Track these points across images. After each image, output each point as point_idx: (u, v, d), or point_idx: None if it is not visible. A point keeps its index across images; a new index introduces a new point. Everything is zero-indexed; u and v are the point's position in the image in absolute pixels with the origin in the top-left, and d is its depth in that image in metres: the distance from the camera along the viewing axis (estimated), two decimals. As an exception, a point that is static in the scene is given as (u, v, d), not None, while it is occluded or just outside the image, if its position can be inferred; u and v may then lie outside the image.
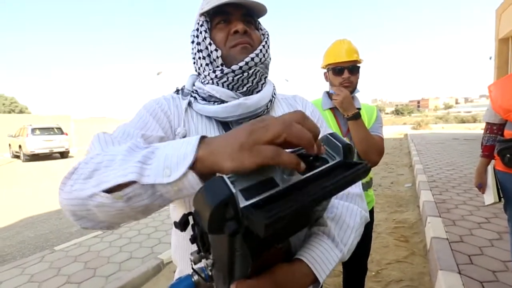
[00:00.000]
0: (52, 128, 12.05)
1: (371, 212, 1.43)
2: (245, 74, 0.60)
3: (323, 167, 0.34)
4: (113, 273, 2.35)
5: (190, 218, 0.34)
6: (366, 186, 1.37)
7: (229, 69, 0.60)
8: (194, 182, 0.34)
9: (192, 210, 0.32)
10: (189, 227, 0.34)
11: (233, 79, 0.61)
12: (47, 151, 11.43)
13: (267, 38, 0.67)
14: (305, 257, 0.44)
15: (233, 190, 0.27)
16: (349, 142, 0.36)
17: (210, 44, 0.62)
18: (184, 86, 0.70)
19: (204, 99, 0.64)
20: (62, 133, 12.12)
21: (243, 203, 0.28)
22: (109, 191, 0.36)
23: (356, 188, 0.61)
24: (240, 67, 0.59)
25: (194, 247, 0.36)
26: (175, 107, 0.64)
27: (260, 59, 0.62)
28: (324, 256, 0.45)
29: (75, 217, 0.42)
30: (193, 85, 0.68)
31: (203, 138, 0.36)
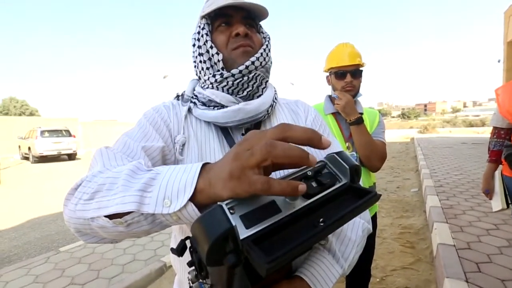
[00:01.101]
0: (61, 130, 12.28)
1: (374, 217, 1.40)
2: (245, 78, 0.60)
3: (328, 190, 0.32)
4: (116, 275, 2.36)
5: (188, 242, 0.33)
6: None
7: (229, 73, 0.59)
8: (193, 213, 0.34)
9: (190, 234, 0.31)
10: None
11: (233, 83, 0.60)
12: (55, 153, 11.63)
13: (268, 41, 0.66)
14: (305, 274, 0.44)
15: (233, 223, 0.26)
16: (356, 164, 0.34)
17: (211, 47, 0.61)
18: (184, 91, 0.69)
19: (203, 104, 0.63)
20: (70, 135, 12.36)
21: (243, 233, 0.27)
22: (110, 216, 0.36)
23: None
24: (240, 71, 0.59)
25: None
26: (174, 114, 0.63)
27: (261, 62, 0.61)
28: (325, 273, 0.45)
29: (80, 233, 0.44)
30: (194, 90, 0.68)
31: (204, 165, 0.36)
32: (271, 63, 0.66)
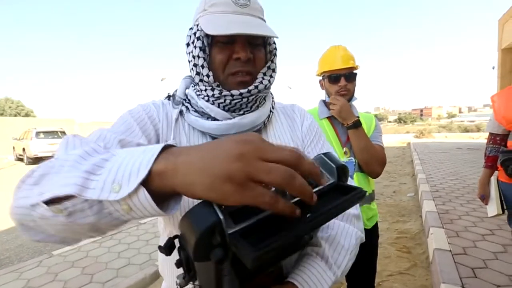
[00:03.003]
0: (56, 131, 12.16)
1: (375, 226, 1.33)
2: (245, 100, 0.56)
3: (317, 188, 0.33)
4: (110, 279, 2.32)
5: (177, 241, 0.32)
6: (369, 199, 1.30)
7: (228, 92, 0.55)
8: (146, 203, 0.28)
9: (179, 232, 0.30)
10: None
11: (230, 102, 0.56)
12: (50, 154, 11.49)
13: (274, 55, 0.61)
14: (296, 280, 0.43)
15: (221, 216, 0.26)
16: (343, 163, 0.35)
17: (202, 67, 0.55)
18: (175, 92, 0.64)
19: (196, 111, 0.59)
20: (66, 136, 12.23)
21: (231, 228, 0.27)
22: (49, 202, 0.30)
23: (353, 208, 0.58)
24: (241, 93, 0.55)
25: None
26: (164, 115, 0.59)
27: (265, 85, 0.57)
28: (317, 279, 0.44)
29: (22, 227, 0.36)
30: (186, 89, 0.64)
31: (168, 147, 0.31)
32: (274, 78, 0.61)
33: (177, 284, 0.35)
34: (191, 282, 0.35)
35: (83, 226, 0.32)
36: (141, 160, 0.29)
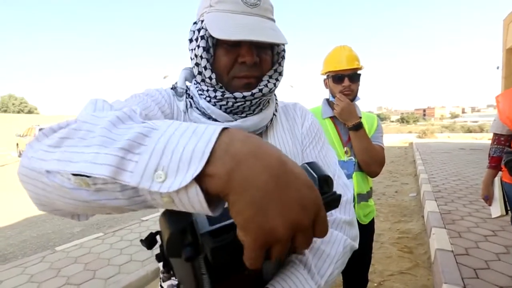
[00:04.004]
0: (59, 128, 12.23)
1: (372, 222, 1.38)
2: (248, 103, 0.54)
3: None
4: (112, 275, 2.34)
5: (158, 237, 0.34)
6: (367, 196, 1.34)
7: (230, 95, 0.53)
8: (195, 200, 0.24)
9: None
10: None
11: (232, 105, 0.54)
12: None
13: (282, 58, 0.58)
14: (276, 287, 0.41)
15: (194, 218, 0.28)
16: (326, 174, 0.34)
17: (205, 68, 0.53)
18: (176, 84, 0.61)
19: (197, 109, 0.58)
20: (69, 133, 12.30)
21: (205, 227, 0.28)
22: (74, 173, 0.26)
23: (344, 214, 0.56)
24: (244, 97, 0.53)
25: None
26: (175, 104, 0.58)
27: (270, 89, 0.55)
28: None
29: (31, 193, 0.32)
30: (186, 81, 0.62)
31: (226, 130, 0.26)
32: (280, 81, 0.59)
33: (160, 278, 0.37)
34: (172, 278, 0.37)
35: (105, 207, 0.28)
36: (194, 145, 0.24)
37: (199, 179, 0.23)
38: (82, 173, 0.25)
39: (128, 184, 0.24)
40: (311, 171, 0.34)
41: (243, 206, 0.23)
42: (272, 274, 0.44)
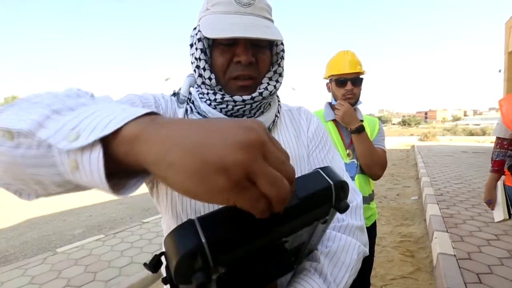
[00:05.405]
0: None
1: (373, 225, 1.39)
2: (248, 106, 0.54)
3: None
4: (113, 277, 2.34)
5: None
6: (368, 199, 1.34)
7: (230, 98, 0.52)
8: (94, 165, 0.23)
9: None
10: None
11: (232, 108, 0.54)
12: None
13: (281, 58, 0.58)
14: None
15: (203, 240, 0.25)
16: (343, 179, 0.32)
17: (204, 69, 0.53)
18: (179, 90, 0.61)
19: (199, 113, 0.58)
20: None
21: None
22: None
23: (356, 220, 0.56)
24: (244, 100, 0.52)
25: None
26: (172, 110, 0.57)
27: (271, 91, 0.54)
28: None
29: None
30: (191, 87, 0.62)
31: (154, 114, 0.26)
32: (281, 82, 0.59)
33: None
34: None
35: (23, 167, 0.27)
36: (115, 116, 0.24)
37: (113, 145, 0.24)
38: (9, 127, 0.26)
39: (41, 138, 0.25)
40: (325, 176, 0.31)
41: (179, 160, 0.20)
42: (288, 284, 0.43)
